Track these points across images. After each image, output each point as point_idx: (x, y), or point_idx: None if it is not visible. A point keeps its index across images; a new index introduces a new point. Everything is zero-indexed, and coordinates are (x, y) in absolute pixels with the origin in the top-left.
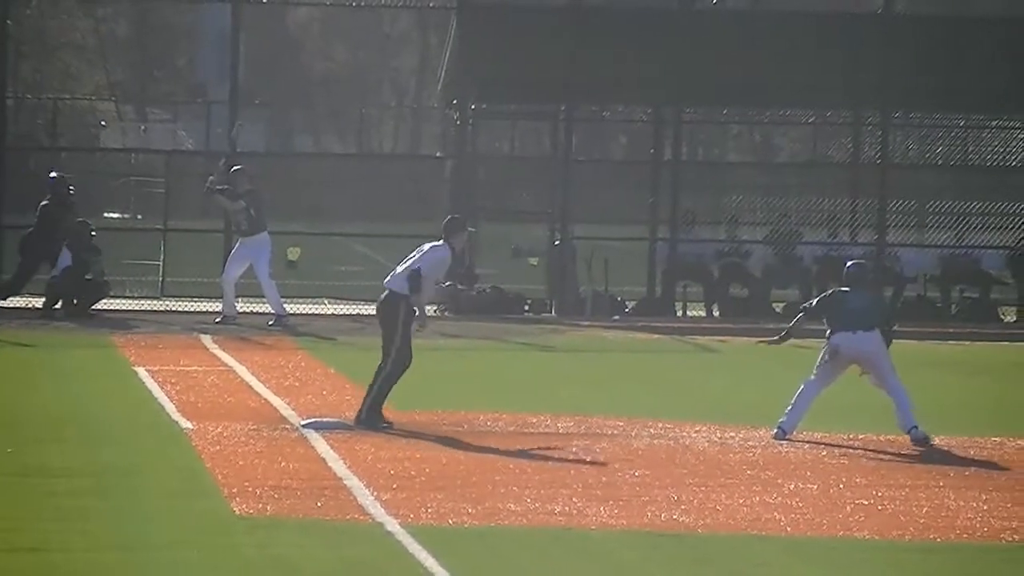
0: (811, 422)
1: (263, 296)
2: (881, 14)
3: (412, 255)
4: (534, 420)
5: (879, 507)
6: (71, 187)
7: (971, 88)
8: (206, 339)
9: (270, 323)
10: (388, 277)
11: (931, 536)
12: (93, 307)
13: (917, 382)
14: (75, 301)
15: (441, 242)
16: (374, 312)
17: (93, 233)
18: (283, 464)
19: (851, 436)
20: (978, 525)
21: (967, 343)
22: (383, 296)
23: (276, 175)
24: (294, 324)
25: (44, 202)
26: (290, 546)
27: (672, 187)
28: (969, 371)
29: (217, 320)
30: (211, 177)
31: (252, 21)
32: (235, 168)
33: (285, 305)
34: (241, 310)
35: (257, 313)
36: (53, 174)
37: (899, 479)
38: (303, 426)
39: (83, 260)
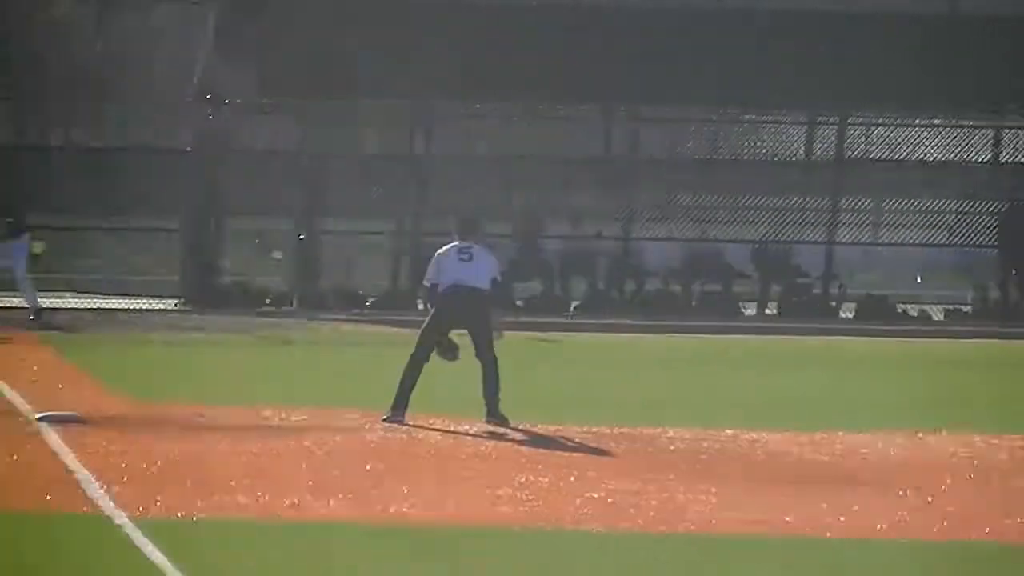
0: (561, 413)
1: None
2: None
3: (466, 257)
4: (268, 413)
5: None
6: None
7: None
8: None
9: (31, 318)
10: (464, 276)
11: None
12: None
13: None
14: None
15: (472, 244)
16: (452, 309)
17: None
18: (13, 457)
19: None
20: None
21: (706, 336)
22: (470, 295)
23: None
24: (48, 318)
25: None
26: (16, 540)
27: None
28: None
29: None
30: None
31: None
32: None
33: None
34: None
35: None
36: None
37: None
38: (39, 419)
39: None
